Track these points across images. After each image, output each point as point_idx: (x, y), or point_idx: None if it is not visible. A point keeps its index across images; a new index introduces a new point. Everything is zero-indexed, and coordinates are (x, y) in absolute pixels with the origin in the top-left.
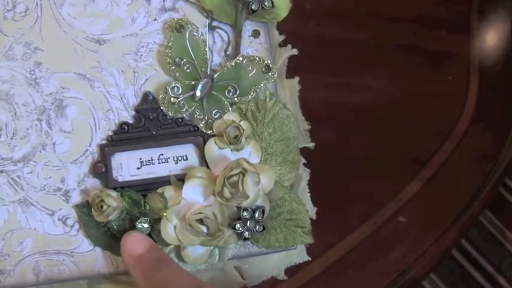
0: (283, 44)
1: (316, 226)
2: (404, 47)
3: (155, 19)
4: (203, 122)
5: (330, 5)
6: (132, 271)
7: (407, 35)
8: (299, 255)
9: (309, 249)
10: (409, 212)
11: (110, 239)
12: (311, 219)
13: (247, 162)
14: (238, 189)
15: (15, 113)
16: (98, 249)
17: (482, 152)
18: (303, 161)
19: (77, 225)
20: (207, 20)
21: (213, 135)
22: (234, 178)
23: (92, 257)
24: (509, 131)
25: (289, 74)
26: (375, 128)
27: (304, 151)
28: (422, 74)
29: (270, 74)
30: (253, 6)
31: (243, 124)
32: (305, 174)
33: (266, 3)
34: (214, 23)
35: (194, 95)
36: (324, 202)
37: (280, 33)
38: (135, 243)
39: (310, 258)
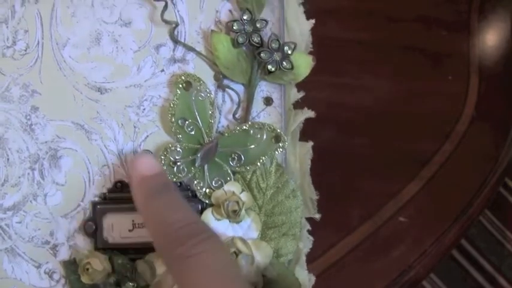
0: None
1: (316, 226)
2: (404, 47)
3: (162, 70)
4: (202, 191)
5: (329, 4)
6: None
7: (407, 35)
8: None
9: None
10: (409, 212)
11: None
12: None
13: (243, 242)
14: None
15: (8, 159)
16: None
17: (482, 152)
18: (308, 227)
19: (62, 280)
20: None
21: (212, 204)
22: None
23: None
24: (509, 131)
25: None
26: (374, 128)
27: None
28: (422, 74)
29: (279, 144)
30: (269, 67)
31: (244, 196)
32: (305, 249)
33: (284, 64)
34: (225, 82)
35: (195, 160)
36: (324, 202)
37: None
38: (146, 164)
39: None
